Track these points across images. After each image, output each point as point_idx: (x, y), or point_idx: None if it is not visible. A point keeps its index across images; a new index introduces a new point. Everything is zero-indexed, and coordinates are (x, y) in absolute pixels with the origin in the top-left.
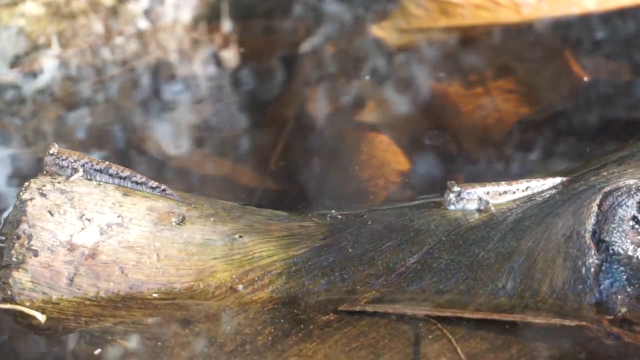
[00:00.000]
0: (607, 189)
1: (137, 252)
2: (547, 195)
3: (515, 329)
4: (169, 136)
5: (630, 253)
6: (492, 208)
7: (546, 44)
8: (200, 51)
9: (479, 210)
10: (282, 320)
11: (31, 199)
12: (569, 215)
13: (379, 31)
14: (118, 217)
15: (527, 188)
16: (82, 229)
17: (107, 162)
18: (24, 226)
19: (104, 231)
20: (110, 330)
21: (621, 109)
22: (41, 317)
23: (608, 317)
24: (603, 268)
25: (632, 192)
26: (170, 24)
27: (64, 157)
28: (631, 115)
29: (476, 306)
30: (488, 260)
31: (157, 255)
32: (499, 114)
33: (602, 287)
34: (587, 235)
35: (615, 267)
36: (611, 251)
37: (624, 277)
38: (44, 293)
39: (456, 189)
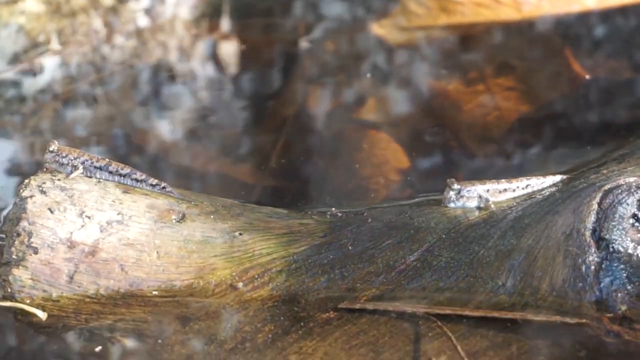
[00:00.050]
0: (607, 186)
1: (137, 249)
2: (547, 193)
3: (516, 326)
4: (168, 134)
5: (630, 251)
6: (492, 206)
7: (547, 41)
8: (200, 49)
9: (479, 208)
10: (282, 318)
11: (31, 197)
12: (569, 213)
13: (379, 29)
14: (118, 214)
15: (527, 186)
16: (82, 226)
17: (107, 160)
18: (24, 223)
19: (104, 228)
20: (111, 328)
21: (621, 107)
22: (42, 315)
23: (608, 315)
24: (603, 266)
25: (632, 190)
26: (170, 22)
27: (63, 155)
28: (631, 113)
29: (476, 304)
30: (488, 258)
31: (157, 252)
32: (499, 112)
33: (602, 285)
34: (587, 233)
35: (615, 265)
36: (611, 249)
37: (624, 275)
38: (44, 290)
39: (456, 186)
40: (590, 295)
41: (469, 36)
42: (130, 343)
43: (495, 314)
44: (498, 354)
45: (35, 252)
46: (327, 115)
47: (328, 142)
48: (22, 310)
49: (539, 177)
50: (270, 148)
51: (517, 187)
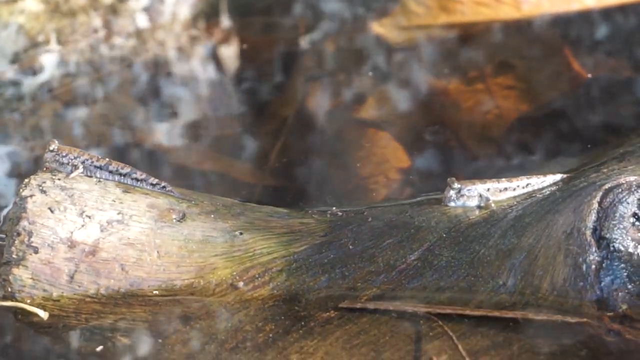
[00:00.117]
0: (607, 185)
1: (137, 249)
2: (548, 192)
3: (517, 326)
4: (168, 133)
5: (631, 250)
6: (493, 205)
7: (546, 40)
8: (199, 48)
9: (479, 207)
10: (282, 317)
11: (31, 196)
12: (570, 212)
13: (379, 28)
14: (118, 214)
15: (527, 185)
16: (83, 225)
17: (107, 159)
18: (24, 223)
19: (104, 228)
20: (111, 327)
21: (621, 105)
22: (43, 314)
23: (609, 314)
24: (604, 265)
25: (633, 189)
26: (169, 21)
27: (64, 154)
28: (631, 111)
29: (477, 303)
30: (489, 257)
31: (158, 252)
32: (498, 111)
33: (602, 284)
34: (588, 232)
35: (616, 264)
36: (612, 248)
37: (625, 274)
38: (45, 290)
39: (456, 185)
40: (591, 294)
41: (468, 35)
42: (131, 343)
43: (496, 313)
44: (499, 353)
45: (36, 252)
46: (327, 114)
47: (328, 141)
48: (22, 309)
49: (539, 176)
50: (270, 147)
51: (518, 186)
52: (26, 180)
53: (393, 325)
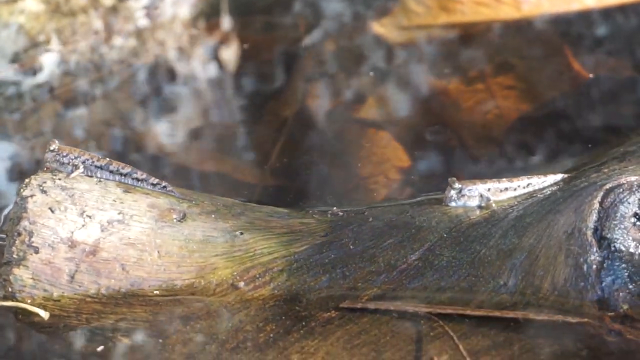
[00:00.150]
0: (608, 185)
1: (138, 249)
2: (548, 192)
3: (517, 326)
4: (168, 133)
5: (632, 250)
6: (493, 205)
7: (546, 40)
8: (199, 48)
9: (480, 207)
10: (283, 317)
11: (32, 196)
12: (571, 212)
13: (380, 28)
14: (119, 214)
15: (528, 185)
16: (83, 225)
17: (107, 159)
18: (24, 223)
19: (104, 228)
20: (112, 327)
21: (622, 105)
22: (44, 314)
23: (610, 314)
24: (605, 265)
25: (634, 189)
26: (170, 21)
27: (64, 154)
28: (632, 111)
29: (478, 303)
30: (489, 257)
31: (158, 252)
32: (499, 111)
33: (603, 284)
34: (589, 232)
35: (617, 264)
36: (613, 248)
37: (626, 274)
38: (45, 290)
39: (457, 185)
40: (591, 294)
41: (469, 35)
42: (131, 343)
43: (497, 314)
44: (500, 353)
45: (36, 252)
46: (328, 114)
47: (329, 141)
48: (23, 309)
49: (540, 176)
50: (270, 147)
51: (518, 186)
52: (27, 180)
53: (394, 325)
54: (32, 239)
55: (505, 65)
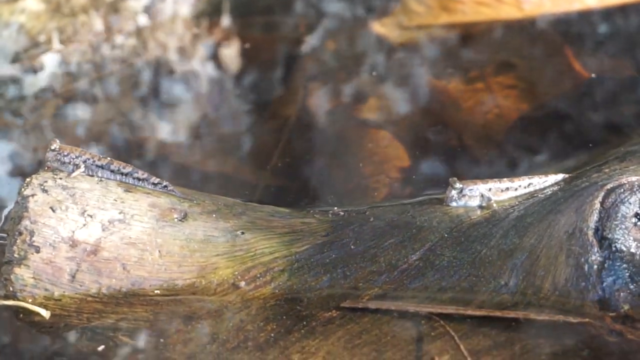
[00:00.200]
0: (609, 186)
1: (139, 248)
2: (549, 192)
3: (518, 326)
4: (169, 132)
5: (633, 250)
6: (494, 205)
7: (547, 40)
8: (200, 47)
9: (481, 207)
10: (284, 317)
11: (33, 195)
12: (572, 212)
13: (380, 28)
14: (120, 213)
15: (529, 185)
16: (84, 225)
17: (108, 158)
18: (25, 222)
19: (105, 227)
20: (113, 327)
21: (623, 105)
22: (45, 313)
23: (611, 314)
24: (606, 265)
25: (635, 189)
26: (170, 21)
27: (65, 153)
28: (633, 111)
29: (479, 303)
30: (490, 257)
31: (159, 251)
32: (499, 110)
33: (604, 284)
34: (590, 233)
35: (618, 264)
36: (614, 248)
37: (627, 274)
38: (46, 289)
39: (458, 185)
40: (592, 294)
41: (469, 35)
42: (132, 342)
43: (498, 313)
44: (501, 353)
45: (37, 251)
46: (329, 114)
47: (329, 141)
48: (24, 309)
49: (540, 176)
50: (271, 147)
51: (519, 186)
52: (28, 179)
53: (395, 325)
54: (33, 238)
55: (505, 65)
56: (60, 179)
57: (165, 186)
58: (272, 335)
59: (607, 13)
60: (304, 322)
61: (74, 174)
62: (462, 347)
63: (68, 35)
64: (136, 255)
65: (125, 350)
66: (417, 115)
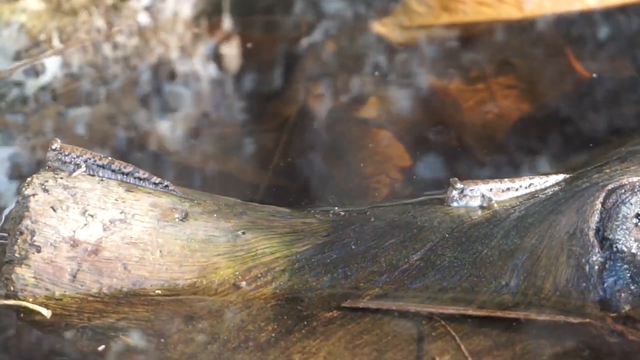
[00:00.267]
0: (610, 186)
1: (140, 248)
2: (550, 193)
3: (519, 326)
4: (170, 132)
5: (634, 251)
6: (495, 205)
7: (548, 40)
8: (201, 47)
9: (482, 207)
10: (285, 317)
11: (34, 195)
12: (573, 213)
13: (381, 28)
14: (121, 213)
15: (530, 185)
16: (85, 224)
17: (109, 158)
18: (26, 222)
19: (106, 227)
20: (114, 327)
21: (623, 105)
22: (46, 313)
23: (612, 315)
24: (607, 266)
25: (636, 190)
26: (171, 20)
27: (66, 153)
28: (634, 112)
29: (480, 303)
30: (491, 257)
31: (160, 251)
32: (499, 110)
33: (605, 284)
34: (591, 233)
35: (619, 264)
36: (615, 249)
37: (628, 274)
38: (47, 289)
39: (459, 185)
40: (593, 295)
41: (470, 35)
42: (133, 342)
43: (499, 314)
44: (502, 353)
45: (38, 251)
46: (329, 114)
47: (330, 141)
48: (25, 308)
49: (541, 177)
50: (272, 147)
51: (520, 187)
52: (29, 179)
53: (395, 325)
54: (34, 238)
55: (506, 65)
56: (61, 178)
57: (167, 186)
58: (273, 335)
59: (608, 13)
60: (305, 322)
61: (75, 174)
62: (463, 347)
63: (69, 35)
64: (137, 255)
65: (125, 350)
66: (417, 115)
